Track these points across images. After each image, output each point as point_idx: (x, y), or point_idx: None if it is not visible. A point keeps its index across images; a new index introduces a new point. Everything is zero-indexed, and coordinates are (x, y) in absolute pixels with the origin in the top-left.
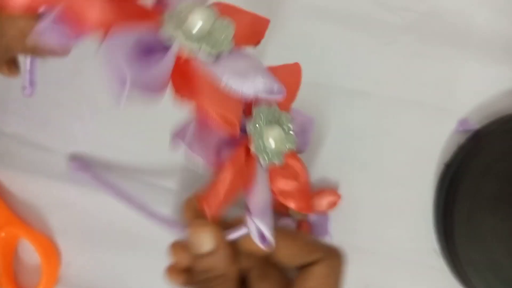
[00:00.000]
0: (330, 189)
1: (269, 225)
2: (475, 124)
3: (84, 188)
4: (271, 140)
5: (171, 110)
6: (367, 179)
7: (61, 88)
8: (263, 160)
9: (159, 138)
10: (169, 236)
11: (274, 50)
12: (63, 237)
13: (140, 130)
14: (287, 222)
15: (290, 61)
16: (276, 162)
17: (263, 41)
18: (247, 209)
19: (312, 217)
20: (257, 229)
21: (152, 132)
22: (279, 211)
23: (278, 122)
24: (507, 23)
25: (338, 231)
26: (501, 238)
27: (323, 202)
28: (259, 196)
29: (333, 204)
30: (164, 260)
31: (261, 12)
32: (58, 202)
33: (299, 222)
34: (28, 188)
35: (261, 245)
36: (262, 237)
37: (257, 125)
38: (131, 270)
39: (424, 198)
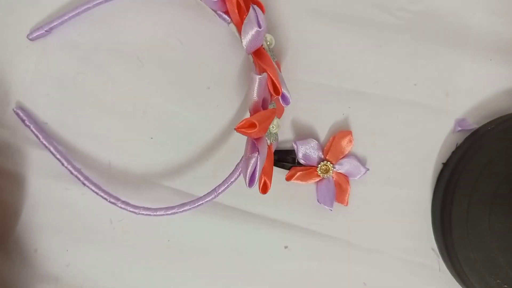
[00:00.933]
0: (340, 130)
1: (260, 169)
2: (473, 124)
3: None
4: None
5: (175, 115)
6: (366, 179)
7: (62, 88)
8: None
9: (160, 138)
10: (168, 235)
11: (274, 51)
12: (63, 237)
13: (141, 130)
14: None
15: (289, 62)
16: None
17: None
18: (252, 150)
19: (344, 164)
20: (252, 169)
21: (153, 132)
22: None
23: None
24: (503, 23)
25: (336, 230)
26: (499, 237)
27: (343, 142)
28: (262, 153)
29: (350, 141)
30: (163, 259)
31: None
32: (58, 202)
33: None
34: (28, 188)
35: (248, 185)
36: (252, 179)
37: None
38: (130, 270)
39: (422, 198)
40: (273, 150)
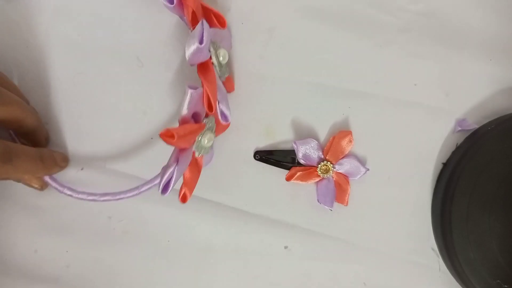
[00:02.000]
0: (340, 130)
1: (176, 180)
2: (473, 124)
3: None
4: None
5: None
6: (366, 179)
7: (62, 88)
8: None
9: (160, 138)
10: (169, 235)
11: (274, 52)
12: (63, 237)
13: (141, 130)
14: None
15: (289, 61)
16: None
17: (263, 43)
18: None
19: (344, 164)
20: (167, 178)
21: (153, 132)
22: None
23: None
24: (503, 23)
25: (336, 230)
26: (498, 236)
27: (343, 142)
28: (182, 164)
29: (350, 141)
30: (164, 259)
31: (259, 13)
32: (58, 202)
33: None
34: (29, 189)
35: (160, 192)
36: (166, 187)
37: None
38: (130, 271)
39: (422, 197)
40: (202, 163)
